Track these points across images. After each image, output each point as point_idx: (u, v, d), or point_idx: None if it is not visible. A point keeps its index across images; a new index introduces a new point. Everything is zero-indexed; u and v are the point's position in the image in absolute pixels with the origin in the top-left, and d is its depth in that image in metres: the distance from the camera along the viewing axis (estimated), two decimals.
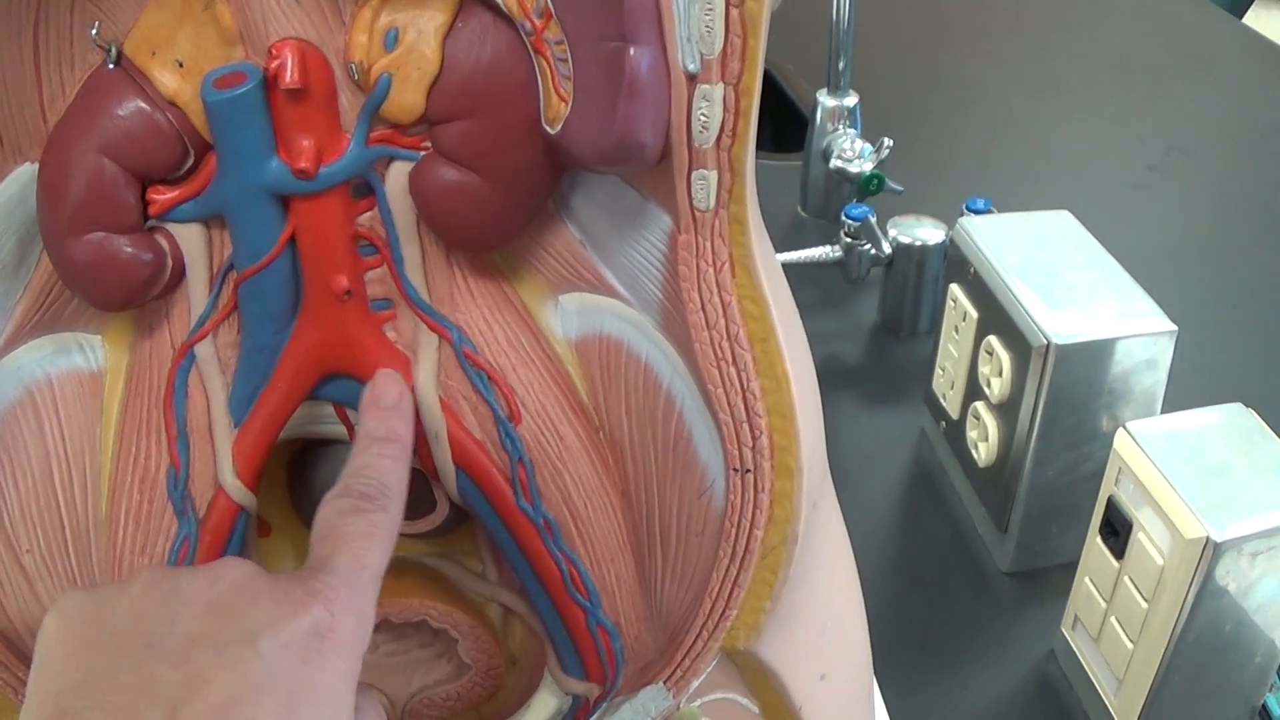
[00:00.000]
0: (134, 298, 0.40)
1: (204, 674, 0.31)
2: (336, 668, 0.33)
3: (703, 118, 0.35)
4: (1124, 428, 0.57)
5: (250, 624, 0.32)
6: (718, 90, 0.35)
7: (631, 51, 0.34)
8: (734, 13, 0.34)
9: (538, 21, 0.35)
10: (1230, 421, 0.57)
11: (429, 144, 0.38)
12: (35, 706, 0.32)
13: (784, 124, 1.24)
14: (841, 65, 0.98)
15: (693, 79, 0.35)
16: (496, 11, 0.36)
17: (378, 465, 0.39)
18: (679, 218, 0.37)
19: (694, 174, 0.36)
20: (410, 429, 0.41)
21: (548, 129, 0.36)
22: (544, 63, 0.36)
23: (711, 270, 0.38)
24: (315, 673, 0.32)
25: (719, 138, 0.36)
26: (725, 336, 0.38)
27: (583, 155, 0.36)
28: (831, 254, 0.89)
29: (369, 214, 0.40)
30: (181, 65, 0.37)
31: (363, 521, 0.37)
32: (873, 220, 0.87)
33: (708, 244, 0.37)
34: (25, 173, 0.39)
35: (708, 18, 0.34)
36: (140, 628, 0.32)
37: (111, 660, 0.32)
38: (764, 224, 0.40)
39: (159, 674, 0.31)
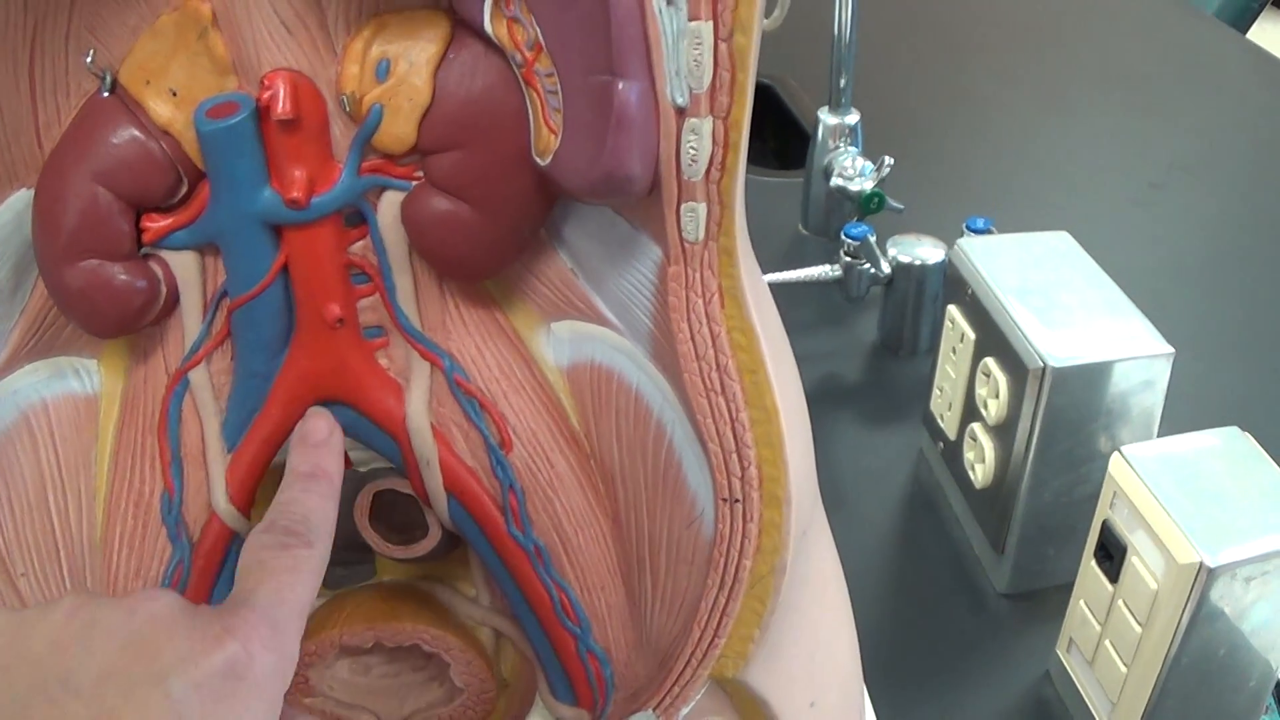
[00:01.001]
0: (128, 324, 0.40)
1: (113, 714, 0.31)
2: (250, 709, 0.32)
3: (691, 151, 0.35)
4: (1119, 451, 0.57)
5: (162, 662, 0.32)
6: (706, 124, 0.35)
7: (620, 85, 0.34)
8: (723, 47, 0.34)
9: (529, 54, 0.36)
10: (1226, 445, 0.57)
11: (421, 174, 0.39)
12: None
13: (786, 140, 1.24)
14: (843, 82, 0.98)
15: (681, 112, 0.35)
16: (488, 43, 0.36)
17: (303, 501, 0.38)
18: (669, 249, 0.37)
19: (683, 206, 0.36)
20: (339, 466, 0.40)
21: (538, 160, 0.37)
22: (534, 95, 0.36)
23: (701, 301, 0.38)
24: (227, 714, 0.32)
25: (708, 170, 0.36)
26: (714, 367, 0.38)
27: (572, 187, 0.36)
28: (831, 272, 0.89)
29: (361, 243, 0.40)
30: (175, 94, 0.38)
31: (287, 557, 0.36)
32: (872, 239, 0.87)
33: (697, 275, 0.38)
34: (21, 199, 0.39)
35: (696, 52, 0.34)
36: (56, 659, 0.32)
37: (27, 693, 0.32)
38: (762, 244, 0.40)
39: (70, 711, 0.31)
